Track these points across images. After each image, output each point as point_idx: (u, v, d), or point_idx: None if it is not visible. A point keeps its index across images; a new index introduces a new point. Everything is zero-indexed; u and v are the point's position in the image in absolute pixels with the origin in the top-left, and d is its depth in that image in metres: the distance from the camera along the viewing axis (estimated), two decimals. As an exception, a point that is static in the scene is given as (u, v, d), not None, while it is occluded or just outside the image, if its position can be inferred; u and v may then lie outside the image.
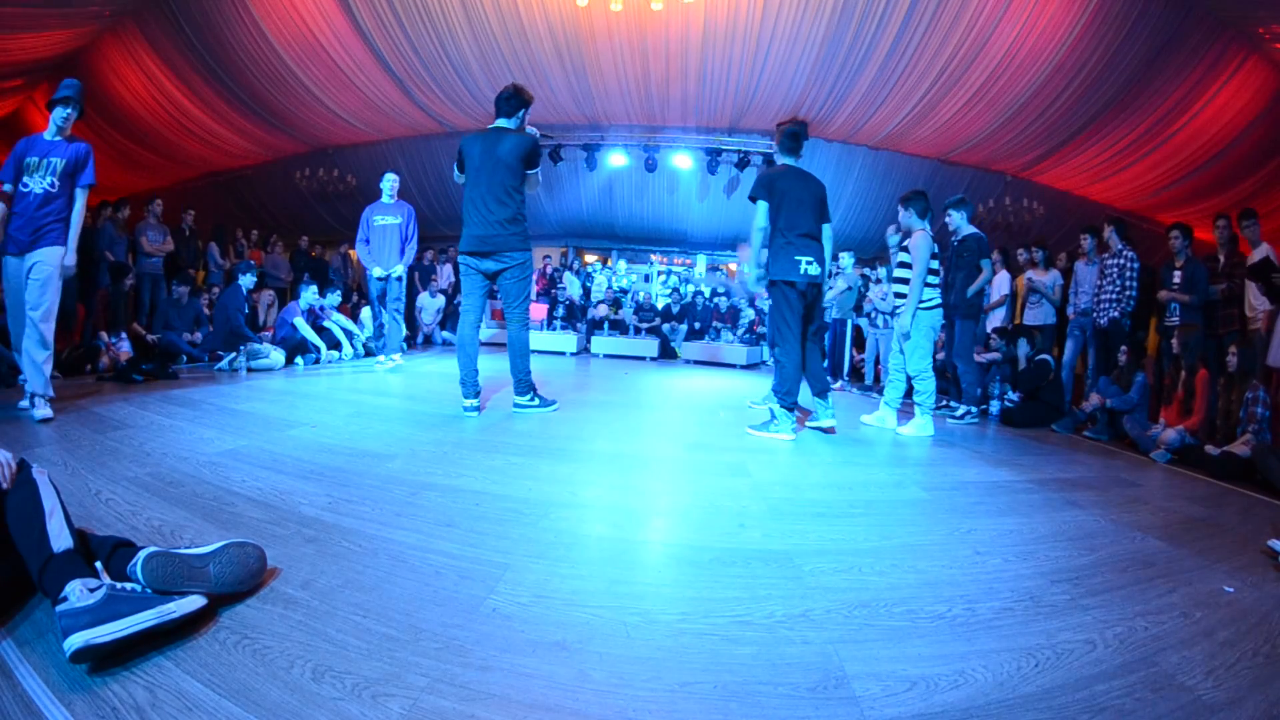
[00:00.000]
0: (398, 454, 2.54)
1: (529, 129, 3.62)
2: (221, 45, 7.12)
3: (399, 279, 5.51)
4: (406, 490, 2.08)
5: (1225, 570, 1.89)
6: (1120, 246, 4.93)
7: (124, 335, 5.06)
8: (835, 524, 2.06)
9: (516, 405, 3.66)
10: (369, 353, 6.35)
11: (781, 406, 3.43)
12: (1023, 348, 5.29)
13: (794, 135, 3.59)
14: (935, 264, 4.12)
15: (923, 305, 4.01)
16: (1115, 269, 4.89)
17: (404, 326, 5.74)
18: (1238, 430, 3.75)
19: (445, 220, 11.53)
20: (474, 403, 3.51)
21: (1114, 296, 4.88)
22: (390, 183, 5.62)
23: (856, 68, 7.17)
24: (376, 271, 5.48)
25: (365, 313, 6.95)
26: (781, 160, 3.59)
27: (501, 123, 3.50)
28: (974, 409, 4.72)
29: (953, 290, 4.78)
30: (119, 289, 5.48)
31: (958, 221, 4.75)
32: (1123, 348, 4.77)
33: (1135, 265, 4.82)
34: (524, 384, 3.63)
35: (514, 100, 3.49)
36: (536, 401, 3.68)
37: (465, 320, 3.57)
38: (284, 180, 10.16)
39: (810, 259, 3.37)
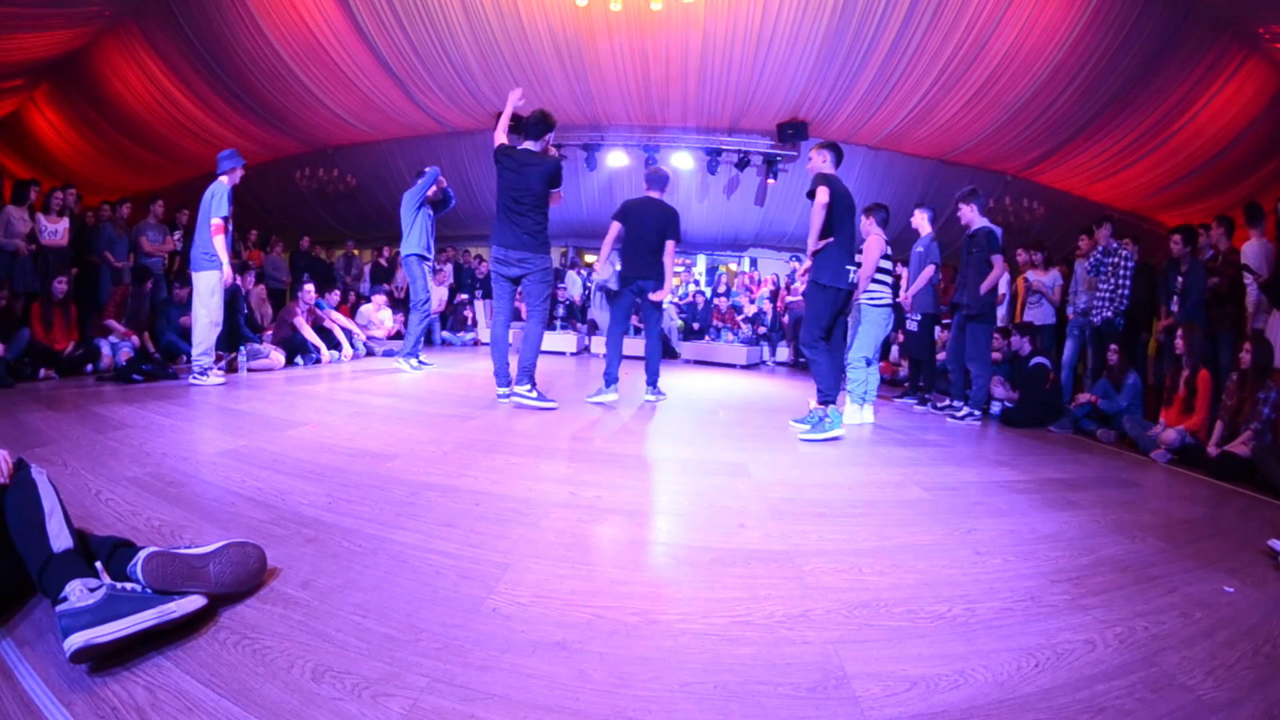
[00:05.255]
0: (398, 454, 2.54)
1: (552, 149, 4.02)
2: (221, 45, 7.12)
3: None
4: (406, 490, 2.08)
5: (1225, 570, 1.89)
6: (1115, 245, 4.92)
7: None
8: (835, 524, 2.06)
9: (514, 393, 3.93)
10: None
11: (827, 405, 3.59)
12: (1015, 342, 5.31)
13: (838, 146, 3.80)
14: (888, 264, 4.48)
15: (872, 302, 4.36)
16: (1109, 267, 4.87)
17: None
18: (1241, 428, 3.71)
19: (445, 220, 11.49)
20: (505, 391, 4.00)
21: (1108, 296, 4.87)
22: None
23: (856, 68, 7.17)
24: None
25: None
26: (830, 168, 3.74)
27: (529, 145, 3.89)
28: (976, 411, 4.70)
29: (965, 289, 4.66)
30: (140, 290, 5.47)
31: (969, 215, 4.67)
32: (1112, 346, 4.74)
33: (1130, 264, 4.81)
34: (527, 373, 3.92)
35: (541, 125, 3.89)
36: (535, 394, 3.87)
37: (497, 321, 4.04)
38: (284, 180, 10.16)
39: (854, 269, 3.69)
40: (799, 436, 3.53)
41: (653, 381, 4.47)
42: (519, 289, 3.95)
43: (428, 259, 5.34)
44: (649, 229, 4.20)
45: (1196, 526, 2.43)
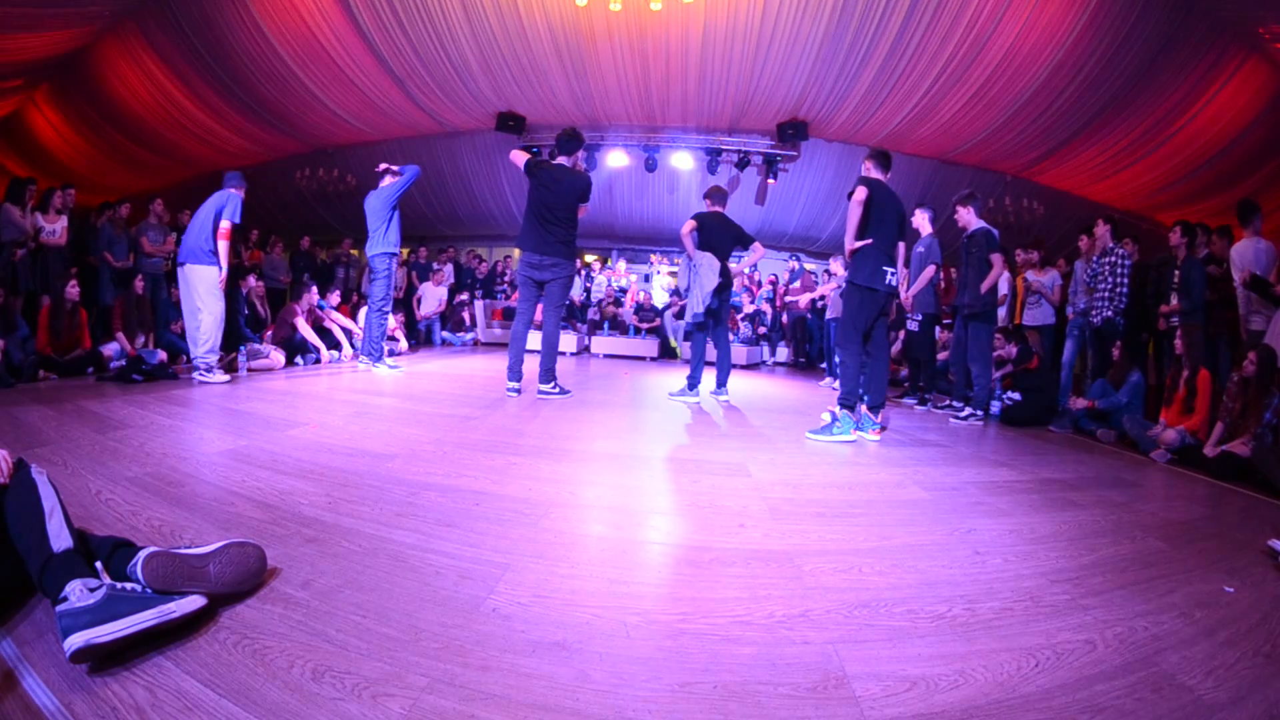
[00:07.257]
0: (398, 454, 2.54)
1: (581, 165, 4.33)
2: (221, 45, 7.12)
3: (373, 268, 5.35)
4: (406, 490, 2.08)
5: (1225, 570, 1.89)
6: (1111, 245, 4.92)
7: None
8: (835, 524, 2.06)
9: (540, 392, 4.27)
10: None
11: (843, 408, 3.57)
12: (999, 343, 5.35)
13: (886, 154, 3.83)
14: None
15: None
16: (1107, 267, 4.87)
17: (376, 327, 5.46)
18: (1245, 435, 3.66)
19: (445, 220, 11.54)
20: (516, 385, 4.23)
21: (1106, 295, 4.86)
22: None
23: (856, 68, 7.17)
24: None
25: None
26: (875, 174, 3.76)
27: (562, 160, 4.27)
28: (979, 411, 4.68)
29: (966, 289, 4.67)
30: (130, 293, 5.43)
31: (966, 217, 4.71)
32: (1117, 343, 4.73)
33: (1127, 263, 4.81)
34: (549, 373, 4.29)
35: (573, 142, 4.28)
36: (556, 389, 4.28)
37: (520, 319, 4.30)
38: (284, 180, 10.16)
39: (892, 271, 3.68)
40: (805, 434, 3.54)
41: (722, 383, 4.72)
42: (542, 291, 4.25)
43: (396, 255, 5.38)
44: (724, 242, 4.59)
45: (1196, 527, 2.42)
